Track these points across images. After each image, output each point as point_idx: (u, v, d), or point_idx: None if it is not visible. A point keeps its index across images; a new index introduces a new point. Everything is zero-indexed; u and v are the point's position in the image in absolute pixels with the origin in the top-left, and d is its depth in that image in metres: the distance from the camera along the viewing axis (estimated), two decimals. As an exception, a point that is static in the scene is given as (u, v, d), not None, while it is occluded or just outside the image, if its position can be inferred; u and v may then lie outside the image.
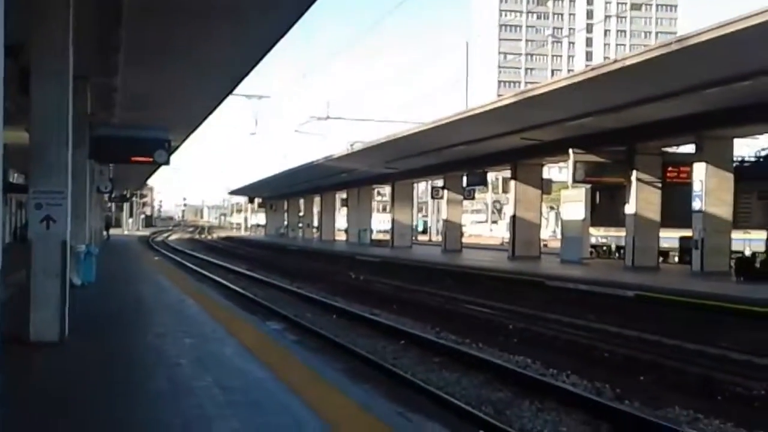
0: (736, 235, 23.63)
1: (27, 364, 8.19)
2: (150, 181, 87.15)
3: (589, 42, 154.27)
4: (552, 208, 54.22)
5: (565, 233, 31.21)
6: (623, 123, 23.81)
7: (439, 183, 42.69)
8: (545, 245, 39.64)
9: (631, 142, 25.48)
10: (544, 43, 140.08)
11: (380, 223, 67.85)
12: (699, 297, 16.76)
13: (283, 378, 7.46)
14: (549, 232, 53.50)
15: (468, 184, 38.38)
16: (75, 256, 14.44)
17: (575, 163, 26.35)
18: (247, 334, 10.61)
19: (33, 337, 8.94)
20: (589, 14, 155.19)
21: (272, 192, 74.00)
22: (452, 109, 31.69)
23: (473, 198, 49.76)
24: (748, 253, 24.34)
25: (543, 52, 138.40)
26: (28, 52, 9.43)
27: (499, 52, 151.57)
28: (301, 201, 74.76)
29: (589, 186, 29.31)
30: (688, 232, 24.20)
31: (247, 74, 17.49)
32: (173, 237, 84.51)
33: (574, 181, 27.08)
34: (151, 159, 17.62)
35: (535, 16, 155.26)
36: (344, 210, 61.26)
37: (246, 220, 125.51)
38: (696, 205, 22.74)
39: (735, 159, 24.45)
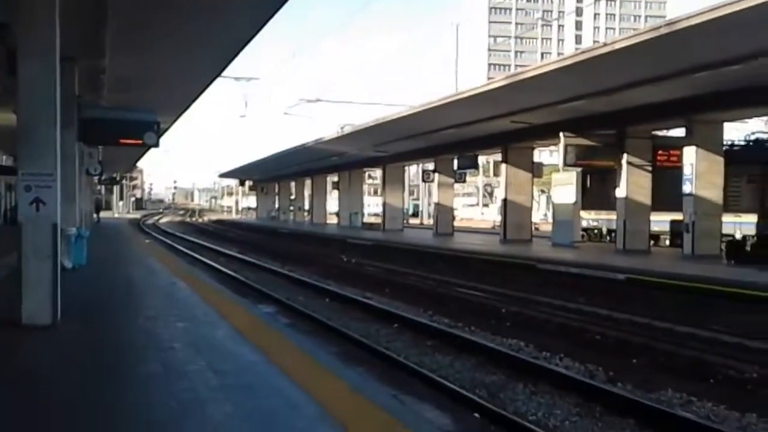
0: (727, 218, 23.73)
1: (19, 347, 8.13)
2: (140, 164, 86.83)
3: (578, 25, 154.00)
4: (543, 191, 54.29)
5: (556, 217, 31.27)
6: (613, 106, 23.82)
7: (430, 166, 42.64)
8: (536, 228, 39.75)
9: (622, 126, 25.54)
10: (533, 26, 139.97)
11: (371, 206, 67.87)
12: (690, 280, 16.83)
13: (276, 361, 7.42)
14: (540, 216, 53.60)
15: (459, 168, 38.40)
16: (65, 239, 14.34)
17: (566, 146, 26.39)
18: (240, 317, 10.56)
19: (25, 320, 8.89)
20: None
21: (263, 175, 73.83)
22: (442, 92, 31.66)
23: (464, 181, 49.85)
24: (738, 236, 24.46)
25: (533, 35, 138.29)
26: (14, 32, 9.31)
27: (489, 35, 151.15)
28: (292, 184, 74.66)
29: (579, 169, 29.40)
30: (679, 216, 24.29)
31: (236, 56, 17.37)
32: (164, 220, 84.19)
33: (565, 164, 27.13)
34: (140, 141, 17.55)
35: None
36: (335, 193, 61.20)
37: (237, 203, 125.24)
38: (686, 188, 22.81)
39: (725, 143, 24.52)
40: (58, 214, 9.15)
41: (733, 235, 24.38)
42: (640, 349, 11.07)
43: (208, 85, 21.84)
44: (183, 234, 48.78)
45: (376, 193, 76.30)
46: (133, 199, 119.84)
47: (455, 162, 37.94)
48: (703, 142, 22.71)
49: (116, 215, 77.28)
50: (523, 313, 14.52)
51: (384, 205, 46.69)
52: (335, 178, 58.28)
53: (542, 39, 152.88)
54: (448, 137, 33.28)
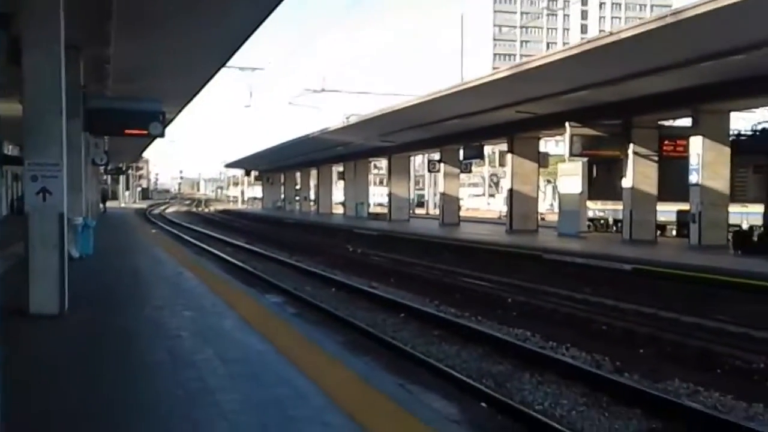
0: (734, 208, 23.62)
1: (27, 336, 8.16)
2: (146, 154, 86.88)
3: (584, 15, 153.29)
4: (549, 181, 54.14)
5: (562, 207, 31.18)
6: (619, 96, 23.70)
7: (436, 156, 42.56)
8: (543, 219, 39.65)
9: (628, 116, 25.41)
10: (539, 16, 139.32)
11: (377, 196, 67.80)
12: (696, 270, 16.78)
13: (283, 351, 7.44)
14: (546, 206, 53.46)
15: (465, 158, 38.30)
16: (72, 228, 14.37)
17: (572, 136, 26.25)
18: (247, 307, 10.58)
19: (33, 310, 8.93)
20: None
21: (269, 165, 73.75)
22: (448, 82, 31.54)
23: (470, 171, 49.72)
24: (745, 226, 24.37)
25: (538, 24, 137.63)
26: (18, 21, 9.30)
27: (494, 25, 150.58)
28: (298, 174, 74.58)
29: (586, 159, 29.28)
30: (685, 206, 24.19)
31: (241, 45, 17.32)
32: (170, 210, 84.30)
33: (571, 154, 27.00)
34: (146, 131, 17.55)
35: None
36: (341, 183, 61.14)
37: (243, 193, 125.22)
38: (693, 178, 22.71)
39: (731, 133, 24.40)
40: (64, 203, 9.17)
41: (739, 226, 24.29)
42: (647, 339, 11.06)
43: (213, 75, 21.81)
44: (189, 224, 48.86)
45: (381, 183, 76.13)
46: (139, 189, 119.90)
47: (461, 152, 37.83)
48: (709, 131, 22.59)
49: (122, 205, 77.38)
50: (529, 303, 14.52)
51: (390, 195, 46.66)
52: (341, 168, 58.20)
53: (547, 28, 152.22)
54: (454, 127, 33.17)
